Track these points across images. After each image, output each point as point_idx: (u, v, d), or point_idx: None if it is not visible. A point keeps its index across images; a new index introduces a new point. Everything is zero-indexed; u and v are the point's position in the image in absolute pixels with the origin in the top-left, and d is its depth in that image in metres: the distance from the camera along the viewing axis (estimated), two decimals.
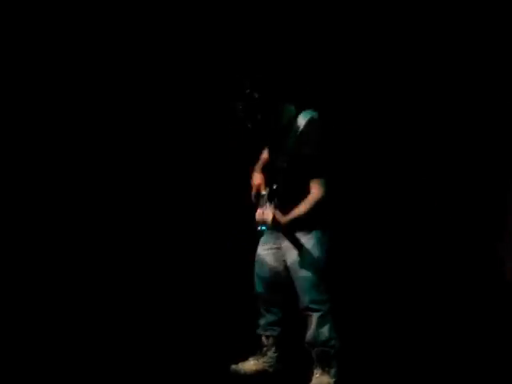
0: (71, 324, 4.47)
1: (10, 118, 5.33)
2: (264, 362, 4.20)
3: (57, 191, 5.36)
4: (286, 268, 4.07)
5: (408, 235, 5.16)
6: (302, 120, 3.91)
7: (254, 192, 4.15)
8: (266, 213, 3.87)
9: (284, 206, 3.92)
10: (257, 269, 4.19)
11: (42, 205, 5.36)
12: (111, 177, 5.39)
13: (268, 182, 4.02)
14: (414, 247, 5.14)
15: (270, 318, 4.19)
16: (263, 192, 4.07)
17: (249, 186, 4.11)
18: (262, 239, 4.17)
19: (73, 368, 3.84)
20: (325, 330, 3.97)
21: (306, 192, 3.91)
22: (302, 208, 3.89)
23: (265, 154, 4.22)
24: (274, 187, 3.93)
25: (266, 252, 4.15)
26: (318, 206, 3.90)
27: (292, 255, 4.01)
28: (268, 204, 3.89)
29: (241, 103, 3.82)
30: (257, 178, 4.15)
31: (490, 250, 5.01)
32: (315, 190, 3.88)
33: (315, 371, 4.00)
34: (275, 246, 4.12)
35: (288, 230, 3.97)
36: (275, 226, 3.88)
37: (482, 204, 5.00)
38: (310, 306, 3.97)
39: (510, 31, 4.92)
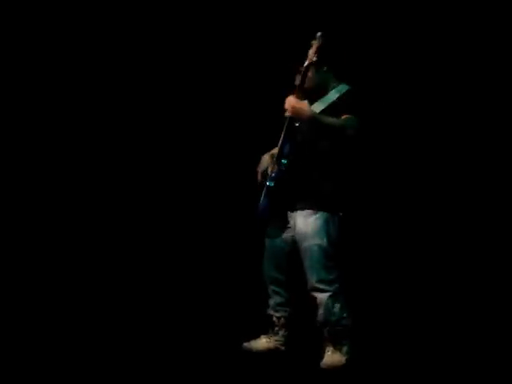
0: (71, 324, 4.47)
1: (9, 118, 5.30)
2: (276, 341, 4.22)
3: (57, 191, 5.34)
4: (295, 249, 4.08)
5: (423, 213, 5.14)
6: (344, 85, 4.00)
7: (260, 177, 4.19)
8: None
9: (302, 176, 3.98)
10: (266, 249, 4.21)
11: (42, 205, 5.32)
12: (111, 177, 5.37)
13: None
14: (428, 225, 5.12)
15: (278, 299, 4.21)
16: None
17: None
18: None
19: (73, 367, 3.85)
20: (336, 310, 3.97)
21: (326, 165, 3.96)
22: (332, 119, 3.92)
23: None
24: None
25: (275, 233, 4.16)
26: (344, 132, 3.92)
27: (300, 235, 4.02)
28: None
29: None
30: (265, 164, 4.18)
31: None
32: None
33: (327, 349, 4.01)
34: (285, 226, 4.13)
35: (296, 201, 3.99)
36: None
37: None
38: (317, 285, 3.98)
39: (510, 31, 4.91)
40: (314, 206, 4.01)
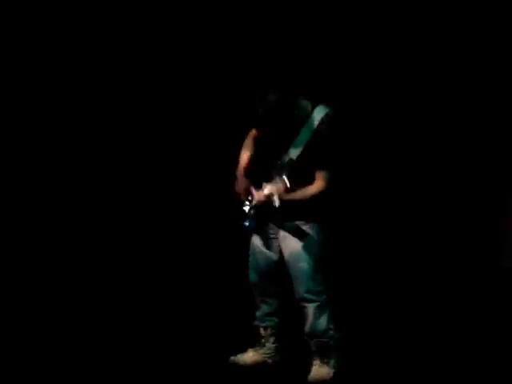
0: (71, 324, 4.46)
1: (9, 118, 5.30)
2: (263, 354, 4.18)
3: (57, 191, 5.34)
4: (282, 257, 4.04)
5: (404, 220, 5.15)
6: (317, 114, 3.85)
7: (243, 197, 4.06)
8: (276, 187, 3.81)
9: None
10: (252, 259, 4.15)
11: (42, 205, 5.33)
12: (110, 177, 5.37)
13: (263, 177, 3.96)
14: (410, 233, 5.14)
15: (266, 308, 4.17)
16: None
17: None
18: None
19: (73, 368, 3.84)
20: (322, 321, 3.96)
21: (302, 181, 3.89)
22: (303, 192, 3.86)
23: (245, 156, 4.10)
24: (289, 159, 3.87)
25: (261, 242, 4.11)
26: (318, 196, 3.88)
27: (289, 244, 3.98)
28: (278, 178, 3.83)
29: (260, 104, 3.85)
30: (244, 183, 4.04)
31: (487, 238, 5.01)
32: (320, 181, 3.86)
33: (314, 362, 3.99)
34: (271, 235, 4.08)
35: (281, 214, 3.91)
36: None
37: (481, 192, 5.01)
38: (306, 296, 3.95)
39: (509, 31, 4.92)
40: (303, 216, 3.96)
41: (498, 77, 4.94)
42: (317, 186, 3.87)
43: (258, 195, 3.87)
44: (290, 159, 3.89)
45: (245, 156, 4.09)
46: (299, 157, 3.87)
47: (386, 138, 5.14)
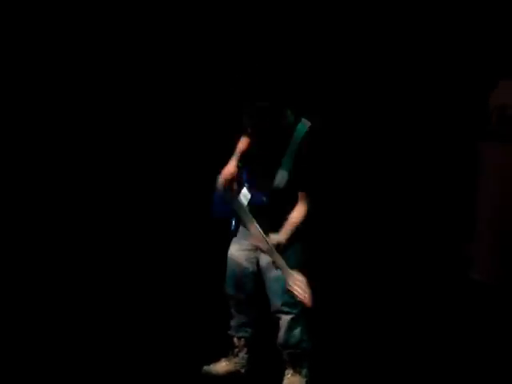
0: (70, 324, 4.48)
1: (9, 117, 5.32)
2: (236, 363, 4.21)
3: (56, 191, 5.36)
4: (259, 269, 4.08)
5: (377, 233, 5.21)
6: (299, 133, 3.92)
7: (224, 182, 4.05)
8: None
9: (270, 214, 3.96)
10: (228, 269, 4.18)
11: (41, 205, 5.35)
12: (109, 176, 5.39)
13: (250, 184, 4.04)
14: (382, 245, 5.19)
15: (241, 319, 4.20)
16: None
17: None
18: (235, 239, 4.15)
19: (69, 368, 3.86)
20: (296, 333, 3.99)
21: (291, 200, 3.94)
22: (295, 222, 3.90)
23: (242, 145, 4.13)
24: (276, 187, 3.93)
25: (238, 252, 4.14)
26: (306, 218, 3.93)
27: (265, 257, 3.98)
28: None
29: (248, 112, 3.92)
30: (232, 167, 4.05)
31: (458, 248, 5.06)
32: (304, 205, 3.91)
33: (286, 372, 4.03)
34: (248, 246, 4.10)
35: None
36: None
37: (452, 204, 5.08)
38: (282, 308, 3.98)
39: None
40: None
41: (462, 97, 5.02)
42: (303, 209, 3.91)
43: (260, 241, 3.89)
44: (277, 187, 3.95)
45: (233, 165, 4.09)
46: (285, 185, 3.93)
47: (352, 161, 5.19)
